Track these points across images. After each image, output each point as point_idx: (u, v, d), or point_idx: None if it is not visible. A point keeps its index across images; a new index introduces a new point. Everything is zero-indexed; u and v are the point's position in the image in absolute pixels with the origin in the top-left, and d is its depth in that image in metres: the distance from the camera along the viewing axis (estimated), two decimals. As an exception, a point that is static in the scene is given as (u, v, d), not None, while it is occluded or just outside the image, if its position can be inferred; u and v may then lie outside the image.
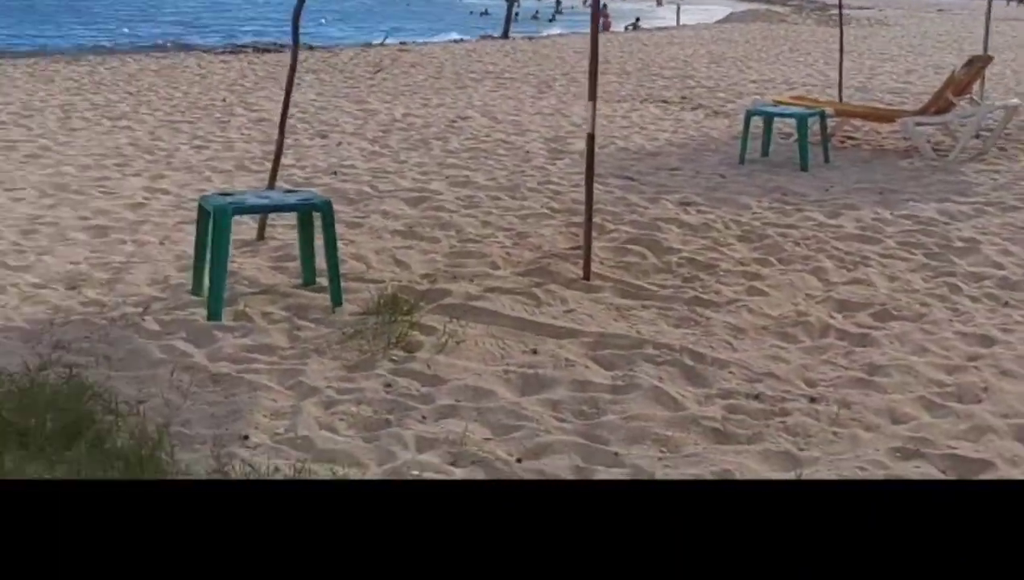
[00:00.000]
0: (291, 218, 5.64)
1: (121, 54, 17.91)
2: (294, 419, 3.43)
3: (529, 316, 4.53)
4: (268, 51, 18.68)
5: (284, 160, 6.81)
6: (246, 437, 3.28)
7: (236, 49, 19.11)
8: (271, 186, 6.02)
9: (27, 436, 3.16)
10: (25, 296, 4.73)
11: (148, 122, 10.11)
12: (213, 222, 4.64)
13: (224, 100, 11.86)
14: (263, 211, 5.55)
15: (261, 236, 5.88)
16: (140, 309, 4.55)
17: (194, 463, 3.07)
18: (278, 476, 3.01)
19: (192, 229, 5.38)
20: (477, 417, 3.49)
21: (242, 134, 9.63)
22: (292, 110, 6.71)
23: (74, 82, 13.08)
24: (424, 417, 3.49)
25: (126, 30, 26.16)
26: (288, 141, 6.98)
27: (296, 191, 6.04)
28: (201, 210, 4.89)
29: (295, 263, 5.27)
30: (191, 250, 5.14)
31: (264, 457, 3.14)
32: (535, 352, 4.15)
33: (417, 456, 3.18)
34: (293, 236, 5.54)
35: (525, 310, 4.62)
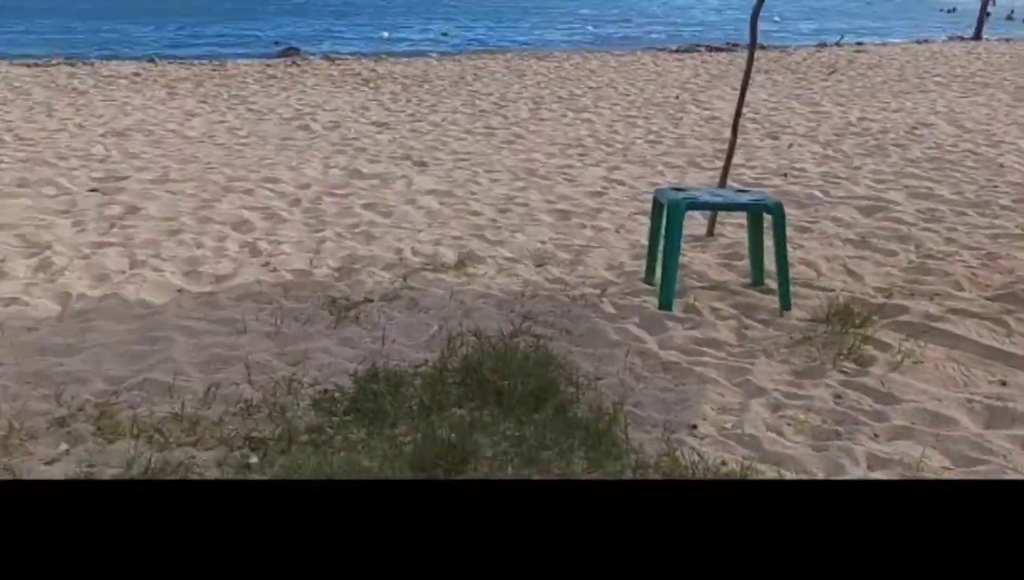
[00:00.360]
0: (740, 217, 5.68)
1: (584, 51, 19.10)
2: (741, 416, 3.47)
3: (998, 344, 4.16)
4: (721, 50, 18.86)
5: (734, 159, 6.86)
6: (694, 426, 3.38)
7: (690, 48, 19.53)
8: (722, 184, 6.11)
9: (502, 395, 3.52)
10: (500, 268, 5.26)
11: (606, 116, 10.71)
12: (667, 215, 4.81)
13: (677, 97, 12.19)
14: (715, 208, 5.64)
15: (711, 232, 5.98)
16: (598, 291, 4.85)
17: (646, 444, 3.22)
18: (724, 470, 3.07)
19: (645, 220, 5.63)
20: (935, 443, 3.28)
21: (694, 131, 9.85)
22: (743, 110, 6.74)
23: (543, 76, 14.21)
24: (876, 435, 3.35)
25: (591, 28, 27.84)
26: (738, 141, 7.03)
27: (747, 191, 6.06)
28: (656, 203, 5.10)
29: (743, 262, 5.30)
30: (644, 240, 5.38)
31: (711, 449, 3.21)
32: (1004, 383, 3.80)
33: (868, 474, 3.06)
34: (742, 235, 5.58)
35: (994, 337, 4.24)
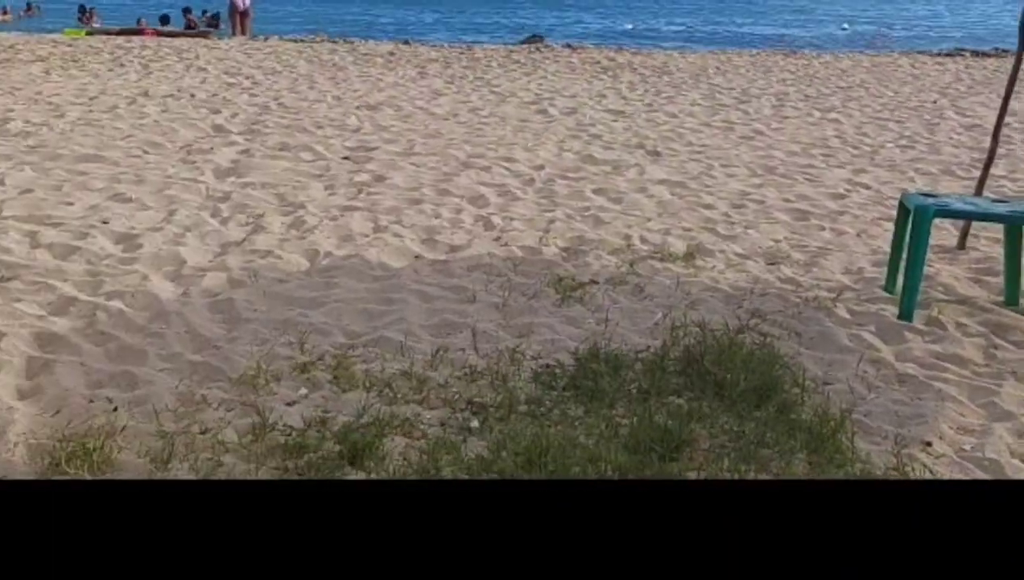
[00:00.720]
0: (996, 231, 5.27)
1: (835, 51, 18.31)
2: (983, 439, 3.22)
3: None
4: (988, 55, 17.54)
5: (995, 169, 6.37)
6: (929, 443, 3.17)
7: (953, 52, 18.28)
8: (978, 193, 5.68)
9: (723, 388, 3.44)
10: (730, 263, 5.14)
11: (855, 117, 10.21)
12: (913, 220, 4.54)
13: (935, 102, 11.46)
14: (967, 217, 5.25)
15: (962, 245, 5.59)
16: (833, 295, 4.65)
17: (873, 455, 3.06)
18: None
19: (890, 226, 5.32)
20: None
21: (951, 138, 9.22)
22: (1009, 119, 6.18)
23: (789, 74, 13.74)
24: None
25: (846, 26, 26.66)
26: (1001, 150, 6.49)
27: (1006, 201, 5.60)
28: (901, 208, 4.82)
29: (996, 279, 4.92)
30: (886, 247, 5.10)
31: (946, 469, 3.01)
32: None
33: None
34: (997, 250, 5.18)
35: None
